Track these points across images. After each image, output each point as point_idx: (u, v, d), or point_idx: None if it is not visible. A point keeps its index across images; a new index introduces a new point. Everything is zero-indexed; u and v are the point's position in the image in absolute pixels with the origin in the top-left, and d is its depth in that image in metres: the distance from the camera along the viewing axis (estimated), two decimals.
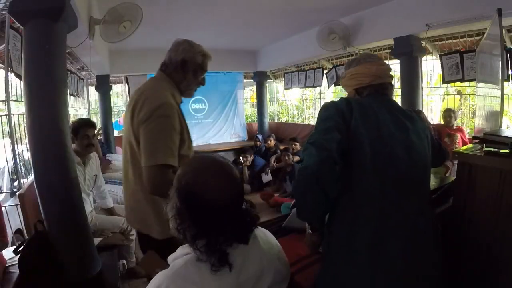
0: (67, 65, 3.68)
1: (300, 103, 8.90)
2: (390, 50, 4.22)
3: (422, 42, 3.91)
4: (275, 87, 8.91)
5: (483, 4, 2.86)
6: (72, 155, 2.00)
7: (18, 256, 1.81)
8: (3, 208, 2.04)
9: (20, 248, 1.81)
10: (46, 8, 1.85)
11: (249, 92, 10.22)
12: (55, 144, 1.89)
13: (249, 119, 9.61)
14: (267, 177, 5.67)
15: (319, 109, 1.20)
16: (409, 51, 3.80)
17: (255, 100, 8.45)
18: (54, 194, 1.90)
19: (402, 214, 1.07)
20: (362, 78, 1.23)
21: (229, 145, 7.48)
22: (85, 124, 2.63)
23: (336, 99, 1.19)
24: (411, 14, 3.61)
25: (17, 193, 2.42)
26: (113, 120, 6.70)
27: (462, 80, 3.62)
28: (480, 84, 3.00)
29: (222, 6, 3.94)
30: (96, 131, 3.23)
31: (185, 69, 1.46)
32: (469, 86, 5.60)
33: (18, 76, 2.41)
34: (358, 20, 4.36)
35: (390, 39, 3.99)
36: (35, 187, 1.91)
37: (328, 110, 1.14)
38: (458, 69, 3.55)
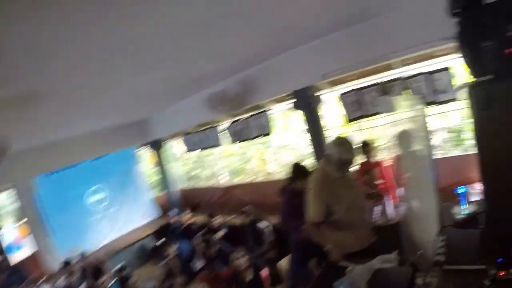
0: None
1: (199, 159, 8.00)
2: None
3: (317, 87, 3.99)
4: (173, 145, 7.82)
5: (377, 49, 3.21)
6: None
7: None
8: None
9: None
10: None
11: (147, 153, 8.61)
12: None
13: (157, 187, 8.25)
14: (199, 263, 4.75)
15: None
16: (307, 104, 3.91)
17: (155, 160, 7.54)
18: None
19: None
20: None
21: (145, 230, 6.65)
22: None
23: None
24: (307, 67, 3.70)
25: None
26: None
27: (366, 115, 3.71)
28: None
29: (101, 88, 3.41)
30: None
31: None
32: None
33: None
34: (253, 77, 4.35)
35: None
36: None
37: None
38: (359, 106, 3.68)
